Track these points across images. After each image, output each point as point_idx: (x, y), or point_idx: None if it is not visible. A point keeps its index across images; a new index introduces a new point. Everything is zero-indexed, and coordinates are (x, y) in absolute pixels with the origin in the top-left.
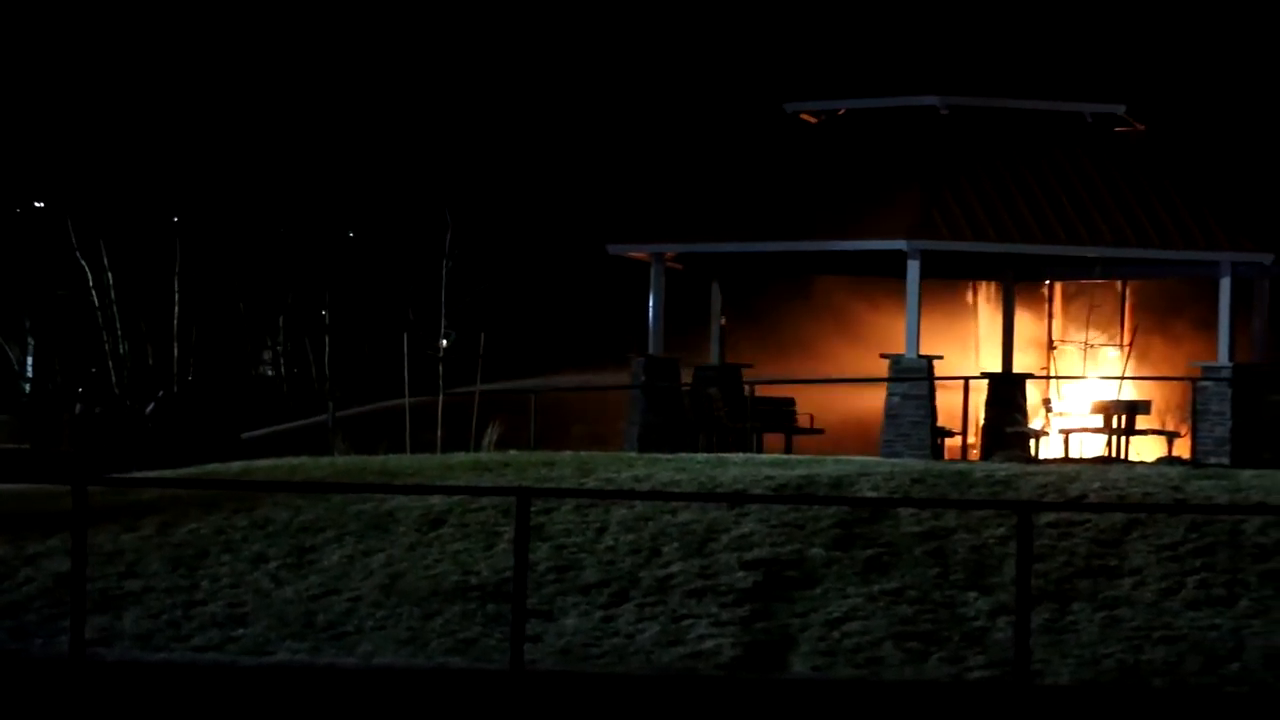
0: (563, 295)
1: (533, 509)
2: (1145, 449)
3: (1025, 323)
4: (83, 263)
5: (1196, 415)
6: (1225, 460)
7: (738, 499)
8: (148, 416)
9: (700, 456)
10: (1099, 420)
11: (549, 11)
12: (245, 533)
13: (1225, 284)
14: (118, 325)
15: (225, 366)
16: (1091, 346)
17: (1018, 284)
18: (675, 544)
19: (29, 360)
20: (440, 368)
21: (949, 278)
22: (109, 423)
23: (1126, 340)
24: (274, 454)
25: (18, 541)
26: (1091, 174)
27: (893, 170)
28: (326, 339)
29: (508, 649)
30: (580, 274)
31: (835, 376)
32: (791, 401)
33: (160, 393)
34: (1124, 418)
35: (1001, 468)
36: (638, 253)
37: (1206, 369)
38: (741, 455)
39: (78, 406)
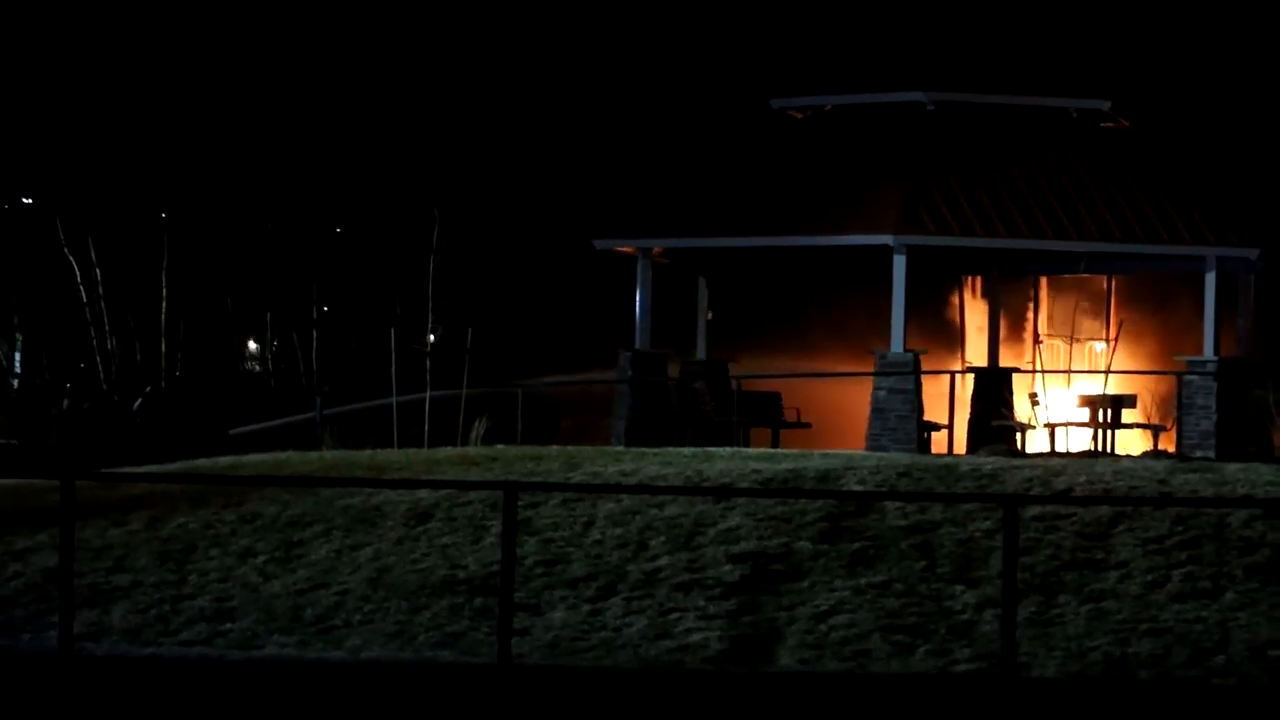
0: (550, 290)
1: (520, 503)
2: (1131, 443)
3: (1011, 317)
4: (71, 259)
5: (1182, 409)
6: (1210, 454)
7: (724, 493)
8: (136, 412)
9: (687, 451)
10: (1085, 414)
11: (537, 8)
12: (233, 527)
13: (1210, 279)
14: (106, 321)
15: (213, 362)
16: (1078, 341)
17: (1004, 279)
18: (662, 538)
19: (17, 356)
20: (428, 363)
21: (935, 272)
22: (97, 418)
23: (1112, 335)
24: (262, 449)
25: (6, 537)
26: (1077, 169)
27: (879, 166)
28: (314, 334)
29: (495, 643)
30: (568, 269)
31: (822, 371)
32: (778, 396)
33: (148, 388)
34: (1110, 412)
35: (988, 461)
36: (624, 247)
37: (1192, 363)
38: (728, 449)
39: (66, 402)
